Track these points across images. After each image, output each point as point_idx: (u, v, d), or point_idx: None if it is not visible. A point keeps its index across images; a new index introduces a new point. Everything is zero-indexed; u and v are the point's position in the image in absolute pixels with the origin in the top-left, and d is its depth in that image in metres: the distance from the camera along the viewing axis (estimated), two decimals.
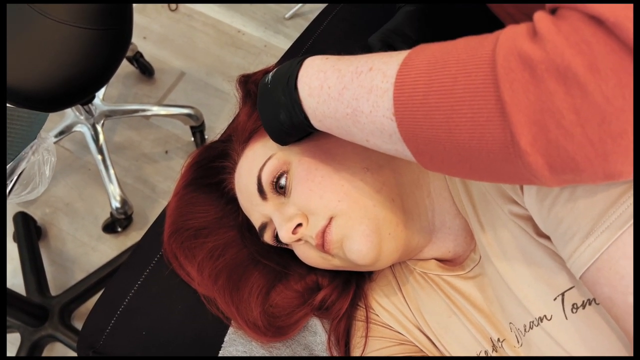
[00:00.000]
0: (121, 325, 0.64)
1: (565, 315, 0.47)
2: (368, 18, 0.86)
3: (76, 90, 1.08)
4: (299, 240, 0.57)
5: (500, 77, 0.31)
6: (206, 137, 1.58)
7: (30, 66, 1.00)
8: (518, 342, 0.52)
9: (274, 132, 0.53)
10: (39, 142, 0.60)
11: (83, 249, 1.45)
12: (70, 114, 1.44)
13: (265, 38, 1.78)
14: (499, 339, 0.54)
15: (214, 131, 1.59)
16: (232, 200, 0.67)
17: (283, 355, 0.62)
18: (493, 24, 0.49)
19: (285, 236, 0.55)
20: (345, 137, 0.45)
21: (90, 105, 1.40)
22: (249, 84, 0.68)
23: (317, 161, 0.55)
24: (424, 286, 0.61)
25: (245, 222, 0.67)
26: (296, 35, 0.92)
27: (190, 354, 0.63)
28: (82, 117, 1.43)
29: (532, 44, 0.31)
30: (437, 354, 0.60)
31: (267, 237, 0.61)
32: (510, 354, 0.53)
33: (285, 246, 0.62)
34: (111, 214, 1.42)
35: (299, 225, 0.56)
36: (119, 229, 1.44)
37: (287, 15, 1.79)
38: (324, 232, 0.54)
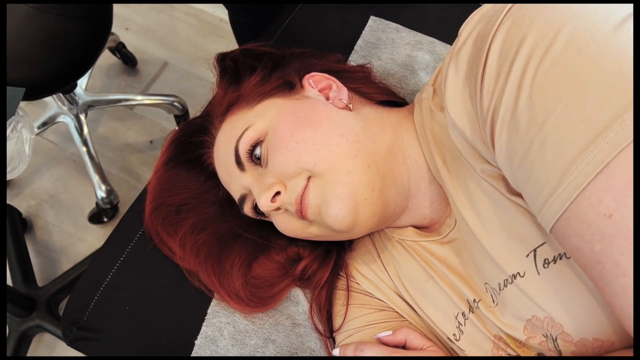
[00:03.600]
0: (104, 301, 0.65)
1: (538, 271, 0.48)
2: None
3: (55, 78, 1.08)
4: (278, 209, 0.58)
5: None
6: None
7: (8, 53, 1.00)
8: (494, 301, 0.53)
9: None
10: (17, 119, 0.60)
11: (69, 240, 1.45)
12: (53, 105, 1.44)
13: None
14: (474, 300, 0.55)
15: None
16: (212, 176, 0.67)
17: (266, 324, 0.63)
18: None
19: (265, 204, 0.56)
20: None
21: (73, 95, 1.40)
22: (226, 61, 0.69)
23: (292, 127, 0.56)
24: (402, 253, 0.62)
25: (225, 197, 0.67)
26: None
27: (174, 328, 0.63)
28: (65, 108, 1.42)
29: None
30: (416, 319, 0.61)
31: (247, 209, 0.62)
32: (486, 313, 0.54)
33: (265, 218, 0.63)
34: (97, 204, 1.42)
35: (278, 193, 0.56)
36: (105, 219, 1.44)
37: None
38: (302, 197, 0.55)
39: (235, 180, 0.61)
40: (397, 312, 0.63)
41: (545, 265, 0.47)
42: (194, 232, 0.66)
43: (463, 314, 0.56)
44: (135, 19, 1.78)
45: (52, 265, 1.42)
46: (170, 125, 1.59)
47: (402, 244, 0.62)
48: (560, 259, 0.47)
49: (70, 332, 0.64)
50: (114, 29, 1.72)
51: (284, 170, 0.55)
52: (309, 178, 0.55)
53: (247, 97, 0.62)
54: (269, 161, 0.57)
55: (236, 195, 0.62)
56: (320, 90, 0.62)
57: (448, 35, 0.80)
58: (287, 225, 0.60)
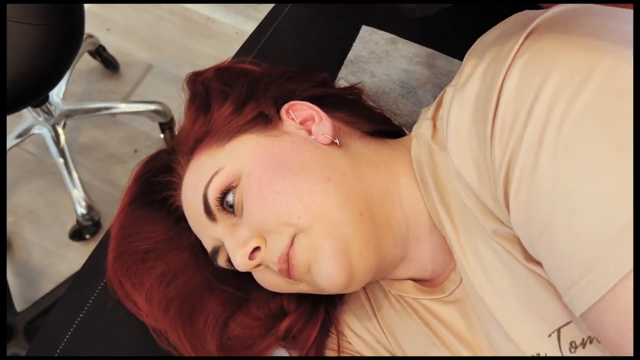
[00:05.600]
0: None
1: (562, 354, 0.40)
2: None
3: (24, 91, 0.99)
4: (259, 265, 0.50)
5: None
6: (176, 133, 1.49)
7: None
8: None
9: None
10: None
11: (50, 258, 1.37)
12: (28, 116, 1.35)
13: (237, 25, 1.68)
14: None
15: None
16: (182, 218, 0.59)
17: None
18: None
19: (242, 263, 0.48)
20: None
21: (48, 105, 1.31)
22: (197, 84, 0.60)
23: (270, 174, 0.48)
24: (399, 311, 0.54)
25: (198, 242, 0.59)
26: None
27: None
28: (40, 119, 1.33)
29: None
30: None
31: (222, 262, 0.54)
32: None
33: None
34: (77, 220, 1.33)
35: (257, 249, 0.48)
36: (87, 236, 1.36)
37: None
38: (288, 256, 0.47)
39: (205, 231, 0.53)
40: None
41: (572, 350, 0.39)
42: (162, 284, 0.58)
43: None
44: (116, 19, 1.68)
45: (32, 286, 1.34)
46: (155, 132, 1.50)
47: (400, 301, 0.54)
48: (591, 342, 0.38)
49: None
50: (94, 30, 1.63)
51: (263, 225, 0.47)
52: (294, 236, 0.47)
53: (217, 133, 0.53)
54: (244, 212, 0.49)
55: (208, 247, 0.54)
56: (301, 123, 0.53)
57: (449, 46, 0.71)
58: (270, 281, 0.52)
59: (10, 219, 1.40)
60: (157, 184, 0.59)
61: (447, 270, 0.51)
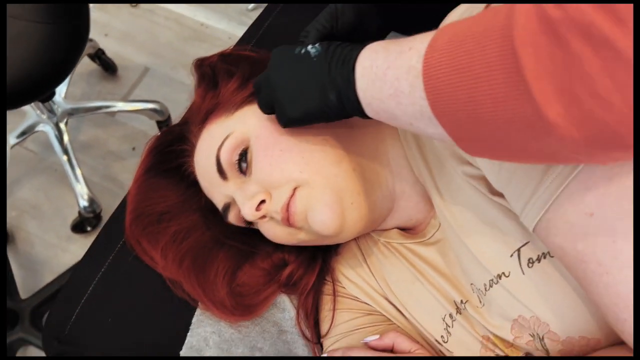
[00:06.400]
0: (86, 314, 0.63)
1: (522, 271, 0.48)
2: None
3: (33, 86, 1.06)
4: (264, 217, 0.57)
5: (517, 43, 0.29)
6: None
7: None
8: (480, 302, 0.53)
9: (310, 112, 0.49)
10: None
11: (52, 250, 1.42)
12: (32, 114, 1.41)
13: (230, 30, 1.77)
14: (462, 301, 0.55)
15: None
16: (193, 184, 0.66)
17: (252, 332, 0.62)
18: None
19: (249, 213, 0.55)
20: (392, 122, 0.43)
21: (52, 103, 1.37)
22: (204, 67, 0.68)
23: (275, 135, 0.55)
24: (387, 256, 0.61)
25: (208, 205, 0.66)
26: None
27: (157, 339, 0.62)
28: (44, 117, 1.40)
29: (551, 6, 0.28)
30: (403, 322, 0.61)
31: (232, 218, 0.61)
32: (474, 314, 0.54)
33: (251, 226, 0.62)
34: (79, 213, 1.40)
35: (262, 202, 0.55)
36: (89, 229, 1.42)
37: (250, 7, 1.78)
38: (288, 205, 0.54)
39: (217, 190, 0.60)
40: (385, 316, 0.62)
41: (530, 265, 0.47)
42: (176, 241, 0.65)
43: (450, 315, 0.56)
44: (114, 24, 1.75)
45: (35, 277, 1.39)
46: (153, 131, 1.57)
47: (388, 247, 0.61)
48: (545, 258, 0.47)
49: (52, 346, 0.62)
50: (93, 36, 1.70)
51: (270, 179, 0.55)
52: (295, 188, 0.54)
53: (225, 104, 0.61)
54: (253, 170, 0.56)
55: (219, 205, 0.61)
56: None
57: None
58: (274, 232, 0.59)
59: (13, 213, 1.46)
60: (171, 153, 0.66)
61: (429, 218, 0.59)
